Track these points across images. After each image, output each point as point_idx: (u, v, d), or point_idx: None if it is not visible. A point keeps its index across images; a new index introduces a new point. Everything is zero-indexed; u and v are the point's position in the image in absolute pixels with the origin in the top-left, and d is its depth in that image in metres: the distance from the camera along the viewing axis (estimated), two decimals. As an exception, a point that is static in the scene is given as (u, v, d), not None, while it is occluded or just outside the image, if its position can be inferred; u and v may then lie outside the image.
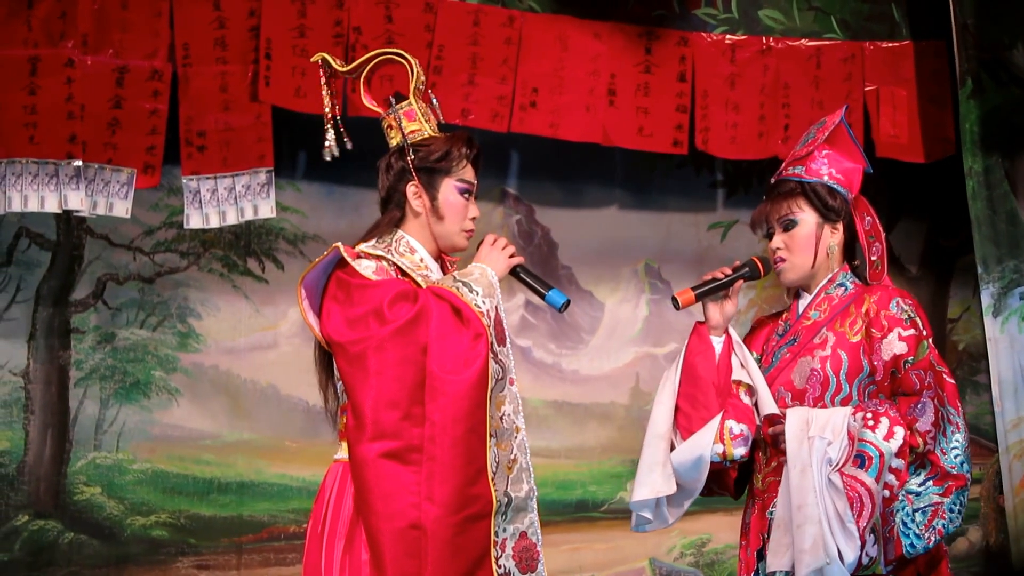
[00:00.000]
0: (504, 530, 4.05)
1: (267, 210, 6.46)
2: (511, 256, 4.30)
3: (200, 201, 6.37)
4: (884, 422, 4.22)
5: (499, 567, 4.01)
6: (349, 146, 4.46)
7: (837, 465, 4.18)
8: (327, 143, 4.44)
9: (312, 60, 4.49)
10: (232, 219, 6.43)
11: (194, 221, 6.40)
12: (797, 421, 4.28)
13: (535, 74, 6.87)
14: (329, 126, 4.43)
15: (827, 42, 7.45)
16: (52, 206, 6.07)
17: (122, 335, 6.81)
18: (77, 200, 6.08)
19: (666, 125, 7.10)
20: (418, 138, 4.31)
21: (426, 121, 4.34)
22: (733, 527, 7.30)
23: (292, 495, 6.95)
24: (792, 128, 7.21)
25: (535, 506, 4.15)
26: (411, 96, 4.33)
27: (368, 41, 6.46)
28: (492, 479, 3.96)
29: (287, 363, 6.96)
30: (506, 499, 4.05)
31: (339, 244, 4.16)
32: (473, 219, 4.35)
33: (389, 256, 4.19)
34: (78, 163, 6.05)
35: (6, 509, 6.53)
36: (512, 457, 4.07)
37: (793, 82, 7.33)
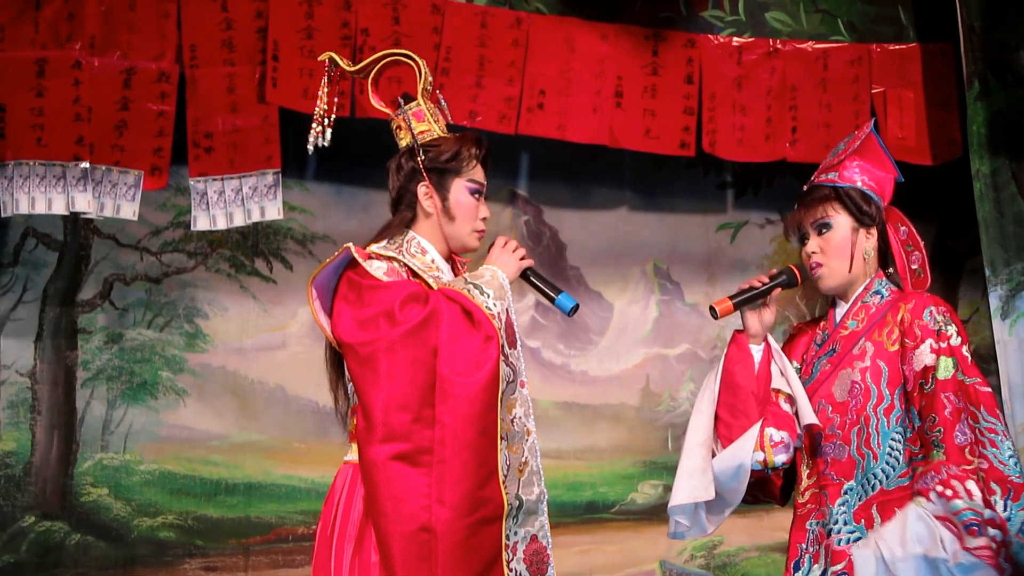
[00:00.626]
0: (515, 533, 4.01)
1: (274, 212, 6.40)
2: (521, 259, 4.27)
3: (207, 203, 6.32)
4: (956, 485, 4.06)
5: (510, 571, 3.97)
6: (325, 142, 4.41)
7: (956, 548, 4.08)
8: (311, 139, 4.41)
9: (320, 59, 4.45)
10: (239, 221, 6.37)
11: (201, 223, 6.35)
12: (868, 562, 4.18)
13: (542, 76, 6.82)
14: (318, 122, 4.40)
15: (834, 44, 7.40)
16: (59, 208, 6.02)
17: (129, 335, 6.78)
18: (84, 202, 6.03)
19: (673, 127, 7.04)
20: (428, 139, 4.30)
21: (435, 122, 4.33)
22: (745, 530, 7.42)
23: (300, 496, 6.91)
24: (799, 131, 7.19)
25: (545, 509, 4.11)
26: (419, 97, 4.32)
27: (376, 43, 6.42)
28: (503, 482, 3.93)
29: (296, 364, 6.95)
30: (517, 502, 4.00)
31: (350, 244, 4.13)
32: (484, 219, 4.33)
33: (400, 257, 4.16)
34: (85, 165, 6.00)
35: (12, 510, 6.50)
36: (523, 460, 4.04)
37: (800, 84, 7.28)
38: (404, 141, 4.34)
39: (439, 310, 3.95)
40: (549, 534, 4.11)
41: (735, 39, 7.23)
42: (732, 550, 7.58)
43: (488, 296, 4.01)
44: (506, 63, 6.74)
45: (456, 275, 4.31)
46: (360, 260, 4.08)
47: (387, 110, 4.38)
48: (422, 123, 4.30)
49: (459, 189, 4.26)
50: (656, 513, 7.48)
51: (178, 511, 6.73)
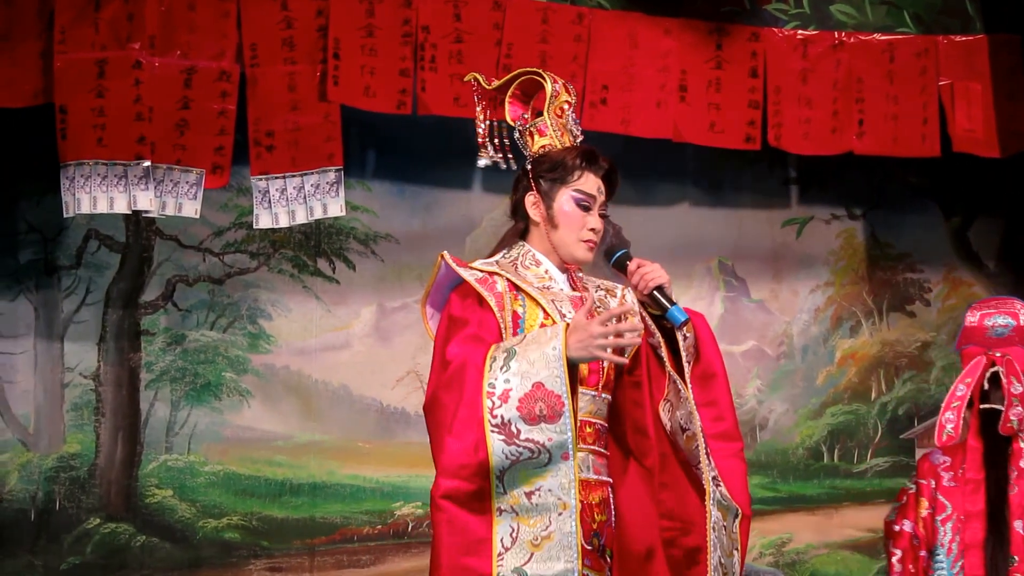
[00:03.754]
0: None
1: (336, 209, 6.32)
2: (597, 347, 3.90)
3: (269, 201, 6.24)
4: None
5: None
6: (496, 159, 4.39)
7: None
8: (482, 156, 4.40)
9: (465, 80, 4.46)
10: (301, 218, 6.30)
11: (263, 221, 6.27)
12: None
13: (605, 71, 6.72)
14: (484, 141, 4.37)
15: (900, 36, 7.24)
16: (121, 207, 5.94)
17: (192, 337, 6.76)
18: (146, 201, 5.95)
19: (738, 121, 6.93)
20: (544, 152, 4.27)
21: (559, 137, 4.27)
22: (814, 527, 7.33)
23: (365, 496, 6.87)
24: (866, 123, 7.06)
25: None
26: (546, 112, 4.25)
27: (436, 40, 6.38)
28: (498, 554, 3.80)
29: (359, 364, 6.93)
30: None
31: (444, 254, 4.14)
32: (593, 230, 4.19)
33: (502, 272, 4.13)
34: (147, 164, 5.92)
35: (78, 512, 6.50)
36: (545, 534, 3.83)
37: (866, 77, 7.13)
38: (526, 154, 4.33)
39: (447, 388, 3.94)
40: None
41: (799, 32, 7.09)
42: (801, 547, 7.47)
43: (508, 368, 3.84)
44: (568, 58, 6.63)
45: (572, 285, 4.24)
46: (464, 276, 4.09)
47: (516, 123, 4.34)
48: (544, 137, 4.26)
49: (564, 198, 4.18)
50: (723, 511, 7.39)
51: (243, 512, 6.72)
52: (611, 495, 4.14)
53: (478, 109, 4.36)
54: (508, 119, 4.34)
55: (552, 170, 4.20)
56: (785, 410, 7.58)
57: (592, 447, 4.10)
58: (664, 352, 4.14)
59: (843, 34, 7.16)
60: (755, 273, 7.64)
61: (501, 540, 3.80)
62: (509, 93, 4.34)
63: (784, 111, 6.99)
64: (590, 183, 4.20)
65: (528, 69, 4.36)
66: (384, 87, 6.31)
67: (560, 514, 3.82)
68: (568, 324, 3.87)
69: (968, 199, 7.82)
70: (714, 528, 3.98)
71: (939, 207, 7.84)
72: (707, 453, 4.01)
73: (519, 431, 3.80)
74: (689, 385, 4.07)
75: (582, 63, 6.67)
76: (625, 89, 6.76)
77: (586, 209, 4.19)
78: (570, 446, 3.81)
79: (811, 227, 7.72)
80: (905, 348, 7.74)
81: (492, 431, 3.78)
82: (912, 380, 7.71)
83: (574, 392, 3.86)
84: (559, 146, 4.26)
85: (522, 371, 3.82)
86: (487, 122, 4.36)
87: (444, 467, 3.81)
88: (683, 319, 4.06)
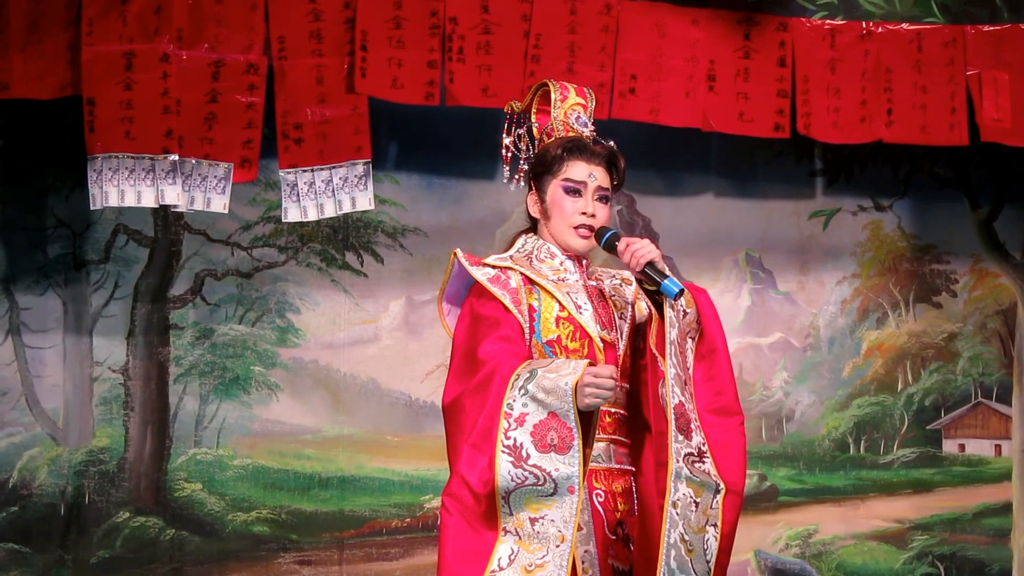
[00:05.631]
0: None
1: (365, 202, 6.28)
2: (594, 397, 3.88)
3: (298, 194, 6.19)
4: None
5: None
6: (515, 186, 4.44)
7: None
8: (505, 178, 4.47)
9: (505, 109, 4.49)
10: (330, 212, 6.25)
11: (292, 214, 6.23)
12: None
13: (633, 61, 6.66)
14: (507, 166, 4.43)
15: (928, 26, 7.17)
16: (149, 201, 5.90)
17: (221, 331, 6.75)
18: (174, 195, 5.91)
19: (767, 110, 6.87)
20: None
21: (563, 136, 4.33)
22: (840, 518, 7.28)
23: (394, 490, 6.87)
24: (895, 112, 6.99)
25: None
26: (553, 118, 4.32)
27: (464, 31, 6.34)
28: (491, 569, 3.85)
29: (388, 357, 6.92)
30: None
31: (457, 251, 4.18)
32: (585, 214, 4.18)
33: (515, 266, 4.16)
34: (174, 158, 5.87)
35: (107, 506, 6.53)
36: (539, 562, 3.85)
37: (894, 66, 7.06)
38: None
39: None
40: None
41: (827, 22, 7.03)
42: (827, 538, 7.43)
43: (526, 392, 3.86)
44: (597, 49, 6.57)
45: (581, 274, 4.25)
46: (477, 278, 4.12)
47: (539, 136, 4.42)
48: (551, 140, 4.31)
49: (554, 189, 4.22)
50: (750, 503, 7.26)
51: (272, 505, 6.73)
52: (634, 484, 4.14)
53: (509, 134, 4.43)
54: (535, 132, 4.37)
55: (541, 164, 4.25)
56: (811, 402, 7.53)
57: (612, 436, 4.12)
58: (654, 327, 4.11)
59: (871, 24, 7.09)
60: (782, 265, 7.57)
61: (499, 559, 3.84)
62: (534, 108, 4.38)
63: (812, 100, 6.92)
64: (579, 170, 4.20)
65: (542, 81, 4.41)
66: (412, 79, 6.26)
67: (558, 546, 3.83)
68: (589, 362, 3.87)
69: (995, 190, 7.75)
70: (675, 504, 3.89)
71: (966, 198, 7.76)
72: (676, 429, 3.93)
73: (528, 456, 3.82)
74: (668, 361, 3.99)
75: (610, 53, 6.60)
76: (654, 79, 6.70)
77: (575, 195, 4.19)
78: (576, 480, 3.82)
79: (838, 219, 7.64)
80: (931, 339, 7.67)
81: (503, 451, 3.81)
82: (938, 371, 7.65)
83: (588, 429, 3.84)
84: None
85: (538, 398, 3.84)
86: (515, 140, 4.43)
87: (460, 474, 3.87)
88: (676, 290, 3.98)
